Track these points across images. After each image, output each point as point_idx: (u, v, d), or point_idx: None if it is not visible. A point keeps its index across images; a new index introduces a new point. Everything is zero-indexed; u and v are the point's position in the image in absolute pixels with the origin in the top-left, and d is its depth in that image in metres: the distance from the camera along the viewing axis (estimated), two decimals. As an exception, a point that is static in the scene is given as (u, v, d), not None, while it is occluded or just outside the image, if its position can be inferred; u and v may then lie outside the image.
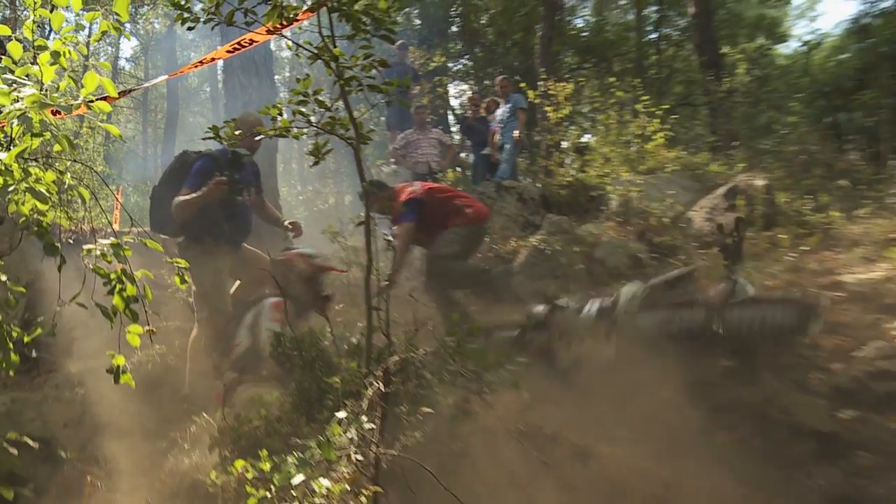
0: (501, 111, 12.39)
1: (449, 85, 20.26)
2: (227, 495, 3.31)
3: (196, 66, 6.34)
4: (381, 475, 2.66)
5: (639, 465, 4.68)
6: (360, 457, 2.49)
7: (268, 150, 10.54)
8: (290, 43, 3.60)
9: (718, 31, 18.42)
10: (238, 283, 6.24)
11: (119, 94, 3.84)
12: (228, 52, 5.70)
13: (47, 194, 2.83)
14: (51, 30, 3.38)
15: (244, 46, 5.29)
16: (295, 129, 3.35)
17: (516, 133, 11.98)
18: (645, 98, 12.46)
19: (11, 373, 2.97)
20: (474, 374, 4.20)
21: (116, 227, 9.28)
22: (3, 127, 2.81)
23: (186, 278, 3.16)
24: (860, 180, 10.47)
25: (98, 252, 2.79)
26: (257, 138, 5.09)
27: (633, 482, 4.50)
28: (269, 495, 2.44)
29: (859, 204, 9.36)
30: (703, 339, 5.45)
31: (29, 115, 2.66)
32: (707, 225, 9.55)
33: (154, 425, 5.47)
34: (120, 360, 2.93)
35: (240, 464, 2.54)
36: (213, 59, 6.50)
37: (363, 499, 2.51)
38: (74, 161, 3.15)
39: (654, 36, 23.60)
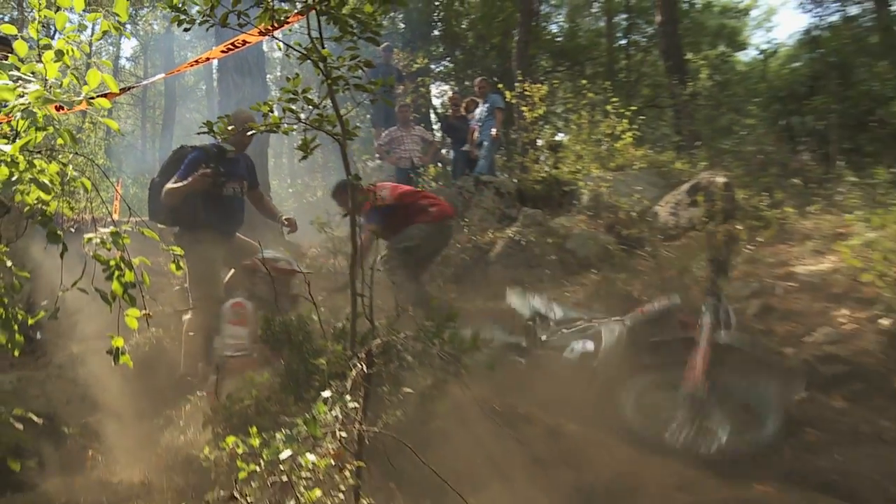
0: (480, 110, 12.38)
1: (431, 85, 20.25)
2: (219, 469, 3.30)
3: (192, 66, 6.30)
4: (364, 451, 2.66)
5: (605, 441, 4.70)
6: (344, 434, 2.47)
7: (259, 146, 10.49)
8: (280, 44, 3.58)
9: (683, 38, 18.48)
10: (232, 271, 6.21)
11: (119, 90, 3.80)
12: (222, 52, 5.66)
13: (51, 185, 2.84)
14: (55, 30, 3.36)
15: (237, 47, 5.26)
16: (285, 125, 3.32)
17: (494, 131, 11.97)
18: (615, 100, 12.49)
19: (16, 353, 2.94)
20: (452, 357, 4.20)
21: (116, 216, 9.22)
22: (8, 121, 2.80)
23: (182, 265, 3.14)
24: (811, 179, 10.55)
25: (98, 240, 2.77)
26: (249, 134, 5.08)
27: (600, 457, 4.52)
28: (258, 469, 2.43)
29: (810, 201, 9.44)
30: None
31: (33, 110, 2.66)
32: (672, 219, 9.59)
33: (151, 404, 5.45)
34: (119, 342, 2.91)
35: (231, 440, 2.52)
36: (207, 59, 6.46)
37: (347, 473, 2.50)
38: (76, 154, 3.11)
39: (623, 42, 23.70)
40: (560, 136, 14.64)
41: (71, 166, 2.98)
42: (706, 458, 4.52)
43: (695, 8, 23.83)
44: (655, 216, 9.81)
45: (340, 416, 2.46)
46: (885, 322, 6.14)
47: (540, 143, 13.74)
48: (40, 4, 2.88)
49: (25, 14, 21.49)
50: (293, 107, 3.22)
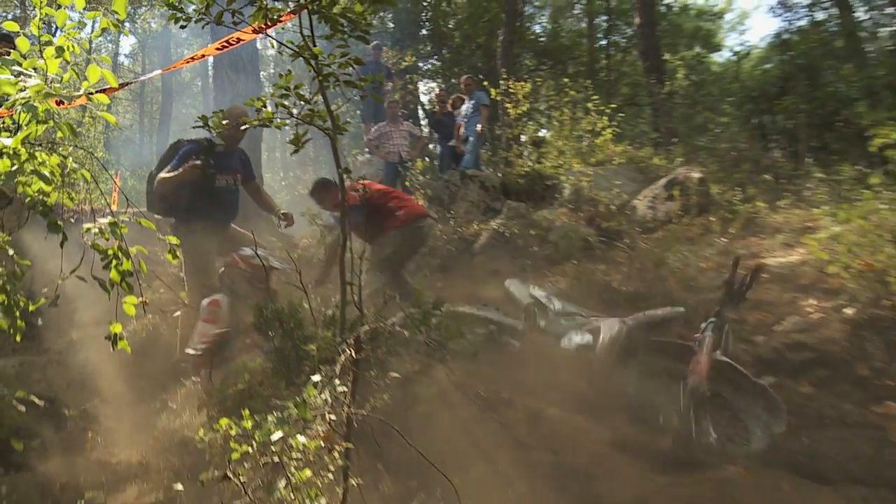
0: (466, 107, 12.37)
1: (419, 83, 20.21)
2: (213, 451, 3.28)
3: (188, 62, 6.27)
4: (353, 433, 2.65)
5: (583, 425, 4.71)
6: (333, 416, 2.47)
7: (253, 140, 10.45)
8: (273, 42, 3.57)
9: (661, 40, 18.49)
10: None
11: (118, 86, 3.78)
12: (217, 49, 5.65)
13: (51, 176, 2.83)
14: (56, 27, 3.35)
15: (232, 44, 5.24)
16: (277, 120, 3.31)
17: (479, 127, 11.96)
18: (595, 98, 12.48)
19: (18, 338, 2.93)
20: (438, 344, 4.19)
21: (114, 208, 9.16)
22: (10, 115, 2.79)
23: (178, 254, 3.13)
24: (781, 175, 10.59)
25: (97, 230, 2.75)
26: (242, 128, 5.06)
27: (574, 436, 4.53)
28: (250, 450, 2.42)
29: (781, 196, 9.48)
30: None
31: (34, 104, 2.65)
32: (649, 212, 9.62)
33: (147, 388, 5.44)
34: (117, 328, 2.90)
35: (224, 422, 2.51)
36: (203, 56, 6.44)
37: (336, 454, 2.50)
38: (76, 147, 3.10)
39: (603, 42, 23.68)
40: (543, 132, 14.60)
41: (71, 159, 2.98)
42: (694, 446, 4.54)
43: (672, 11, 23.87)
44: (634, 209, 9.84)
45: (330, 400, 2.45)
46: (849, 311, 6.18)
47: (523, 138, 13.73)
48: (42, 2, 2.88)
49: (28, 12, 21.32)
50: (286, 102, 3.21)
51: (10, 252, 3.05)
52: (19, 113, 2.71)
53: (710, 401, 4.79)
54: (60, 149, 2.99)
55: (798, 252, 7.69)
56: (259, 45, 15.13)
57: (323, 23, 3.25)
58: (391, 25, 21.24)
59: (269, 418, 2.42)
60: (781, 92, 14.07)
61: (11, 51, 2.81)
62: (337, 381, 2.50)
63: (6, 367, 5.26)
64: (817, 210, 8.11)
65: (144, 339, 6.12)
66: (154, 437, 4.69)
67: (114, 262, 2.81)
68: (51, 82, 2.73)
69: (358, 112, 14.75)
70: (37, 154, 2.85)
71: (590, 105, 12.24)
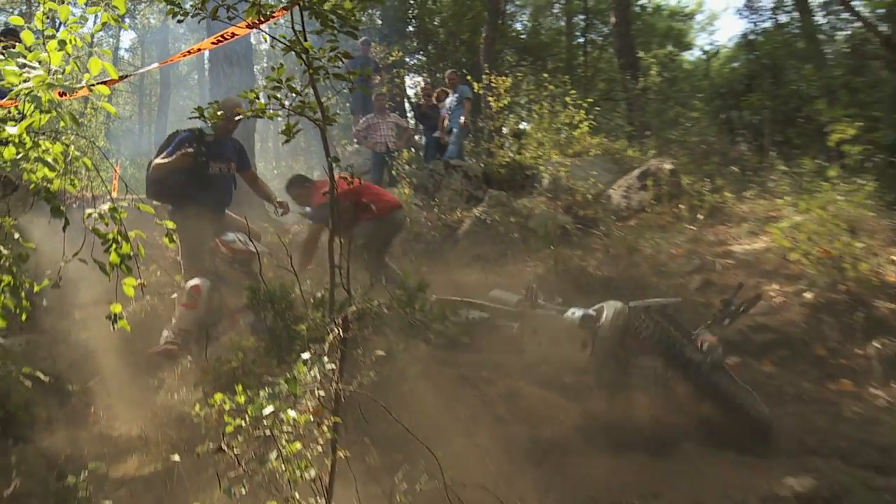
0: (450, 100, 12.34)
1: (405, 77, 20.15)
2: (208, 425, 3.28)
3: (185, 56, 6.24)
4: (340, 408, 2.65)
5: (557, 399, 4.74)
6: (322, 392, 2.47)
7: (246, 130, 10.40)
8: (266, 36, 3.56)
9: (635, 38, 18.51)
10: None
11: (118, 78, 3.76)
12: (213, 43, 5.61)
13: (54, 164, 2.83)
14: (60, 22, 3.31)
15: (227, 39, 5.21)
16: (270, 111, 3.30)
17: (462, 119, 11.95)
18: (573, 92, 12.49)
19: (24, 317, 2.92)
20: (422, 324, 4.20)
21: (115, 194, 9.10)
22: (15, 105, 2.78)
23: (174, 238, 3.12)
24: (748, 167, 10.66)
25: (97, 215, 2.74)
26: (236, 119, 5.03)
27: (552, 413, 4.55)
28: (243, 424, 2.42)
29: (747, 187, 9.55)
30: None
31: (37, 94, 2.66)
32: (623, 201, 9.65)
33: (146, 366, 5.42)
34: (117, 308, 2.89)
35: (218, 397, 2.50)
36: (199, 50, 6.40)
37: (325, 428, 2.50)
38: (79, 136, 3.09)
39: (581, 40, 23.64)
40: (523, 125, 14.57)
41: (73, 147, 2.97)
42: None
43: (646, 11, 23.84)
44: (609, 199, 9.87)
45: (319, 377, 2.45)
46: (808, 296, 6.25)
47: (505, 130, 13.71)
48: (46, -2, 2.86)
49: (33, 7, 21.11)
50: (278, 94, 3.20)
51: (16, 236, 3.04)
52: (24, 103, 2.70)
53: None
54: (63, 138, 2.97)
55: (762, 240, 7.75)
56: (253, 40, 15.05)
57: (314, 19, 3.24)
58: (379, 22, 21.13)
59: (261, 394, 2.42)
60: (747, 89, 14.12)
61: (17, 44, 2.82)
62: (326, 359, 2.50)
63: (13, 345, 5.23)
64: (780, 200, 8.17)
65: (143, 320, 6.09)
66: (153, 413, 4.68)
67: (113, 245, 2.80)
68: (54, 74, 2.72)
69: (347, 104, 14.71)
70: (40, 142, 2.84)
71: (568, 99, 12.25)
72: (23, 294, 2.91)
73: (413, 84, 22.05)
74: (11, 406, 3.98)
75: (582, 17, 23.65)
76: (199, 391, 4.32)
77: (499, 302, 5.78)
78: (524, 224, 8.82)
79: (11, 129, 2.69)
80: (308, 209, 6.73)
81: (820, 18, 16.68)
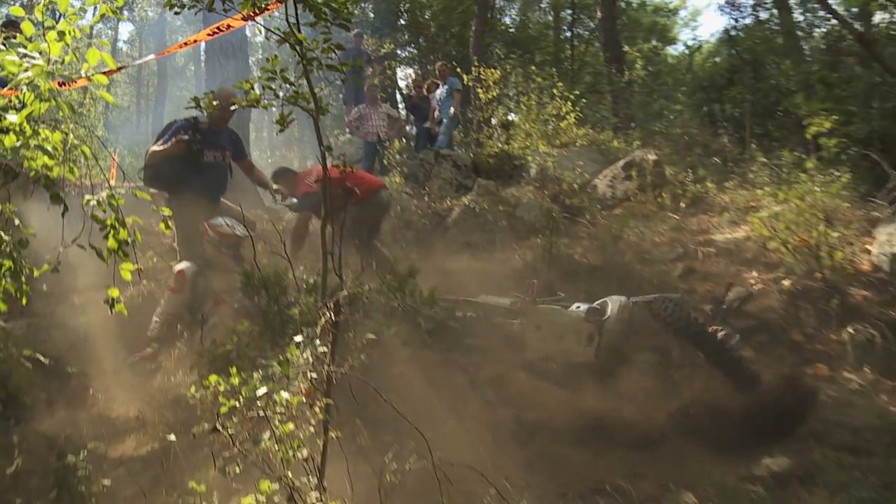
0: (440, 91, 12.31)
1: (397, 69, 20.07)
2: (204, 406, 3.28)
3: (181, 47, 6.21)
4: (332, 390, 2.65)
5: (546, 386, 4.74)
6: (314, 374, 2.47)
7: (242, 120, 10.35)
8: (261, 28, 3.53)
9: (620, 33, 18.50)
10: None
11: (116, 68, 3.74)
12: (209, 35, 5.59)
13: (54, 152, 2.81)
14: (60, 13, 3.30)
15: (223, 31, 5.19)
16: (264, 101, 3.27)
17: (452, 110, 11.93)
18: (560, 85, 12.46)
19: (24, 301, 2.90)
20: (413, 310, 4.20)
21: (113, 182, 9.05)
22: (16, 94, 2.77)
23: (170, 224, 3.11)
24: (729, 159, 10.70)
25: (95, 202, 2.73)
26: (231, 109, 4.99)
27: (541, 398, 4.56)
28: (238, 405, 2.42)
29: (728, 178, 9.59)
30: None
31: (37, 84, 2.65)
32: (609, 191, 9.66)
33: (144, 349, 5.40)
34: (114, 293, 2.87)
35: (213, 378, 2.50)
36: (195, 41, 6.38)
37: (317, 409, 2.50)
38: (77, 124, 3.07)
39: (568, 34, 23.60)
40: (511, 116, 14.57)
41: (72, 135, 2.95)
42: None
43: (631, 6, 23.83)
44: (594, 188, 9.88)
45: (311, 359, 2.45)
46: (786, 283, 6.28)
47: (493, 121, 13.69)
48: (46, -11, 2.83)
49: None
50: (272, 85, 3.17)
51: (17, 222, 3.03)
52: (24, 93, 2.69)
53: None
54: (62, 126, 2.96)
55: (742, 229, 7.79)
56: (248, 32, 14.94)
57: (308, 11, 3.22)
58: (371, 15, 21.07)
59: (255, 375, 2.42)
60: (729, 83, 14.17)
61: (17, 34, 2.80)
62: (318, 342, 2.49)
63: (14, 328, 5.19)
64: (760, 191, 8.20)
65: (140, 304, 6.06)
66: (150, 395, 4.67)
67: (111, 231, 2.78)
68: (53, 64, 2.70)
69: (340, 95, 14.67)
70: (40, 131, 2.81)
71: (555, 91, 12.23)
72: (23, 279, 2.89)
73: (404, 76, 21.99)
74: (13, 387, 3.97)
75: (569, 11, 23.61)
76: (195, 374, 4.32)
77: (493, 303, 5.58)
78: (512, 212, 8.82)
79: (12, 118, 2.67)
80: (292, 200, 6.65)
81: (798, 15, 16.80)
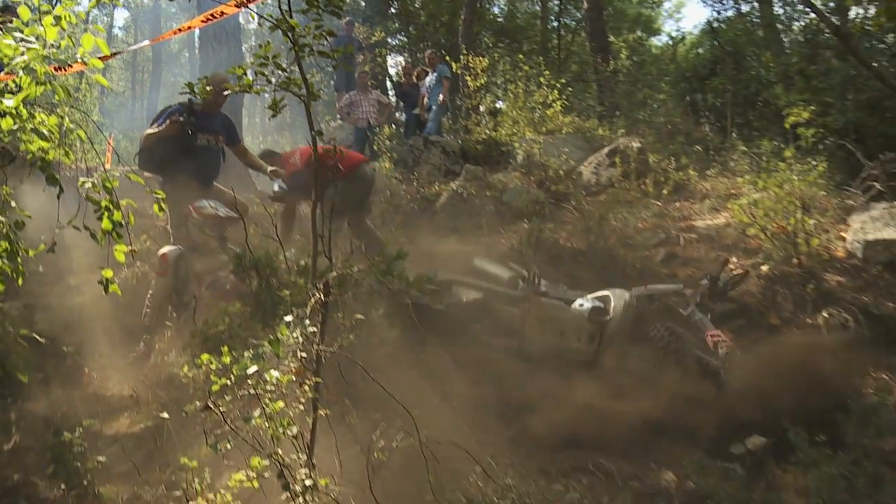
0: (430, 79, 12.27)
1: (387, 56, 19.98)
2: (196, 385, 3.29)
3: (175, 33, 6.15)
4: (321, 369, 2.65)
5: (530, 368, 4.76)
6: (304, 354, 2.47)
7: (234, 105, 10.28)
8: (254, 15, 3.50)
9: (606, 23, 18.45)
10: None
11: (110, 54, 3.70)
12: (203, 21, 5.53)
13: (49, 135, 2.81)
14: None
15: (216, 17, 5.14)
16: (257, 87, 3.25)
17: (441, 97, 11.90)
18: (547, 73, 12.42)
19: (21, 281, 2.89)
20: (401, 291, 4.20)
21: (108, 166, 8.99)
22: (13, 79, 2.75)
23: (163, 206, 3.09)
24: (710, 147, 10.72)
25: (90, 184, 2.73)
26: (224, 94, 4.93)
27: (525, 378, 4.58)
28: (229, 384, 2.41)
29: (709, 166, 9.62)
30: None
31: (33, 68, 2.64)
32: (593, 177, 9.67)
33: (138, 330, 5.39)
34: (108, 273, 2.86)
35: (205, 357, 2.49)
36: (189, 28, 6.31)
37: (306, 388, 2.50)
38: (73, 108, 3.05)
39: (555, 24, 23.52)
40: (499, 104, 14.54)
41: (67, 119, 2.93)
42: None
43: (617, -3, 23.83)
44: (580, 174, 9.88)
45: (301, 339, 2.45)
46: (764, 268, 6.31)
47: (481, 108, 13.64)
48: (43, -26, 2.81)
49: (32, -15, 20.67)
50: (265, 71, 3.15)
51: (13, 204, 3.01)
52: (20, 77, 2.68)
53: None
54: (58, 110, 2.93)
55: (723, 215, 7.82)
56: (241, 20, 14.84)
57: (300, -2, 3.19)
58: (363, 3, 20.94)
59: (246, 354, 2.41)
60: (711, 74, 14.19)
61: (14, 19, 2.79)
62: (307, 322, 2.49)
63: (10, 308, 5.17)
64: (740, 179, 8.23)
65: (135, 286, 6.03)
66: (144, 374, 4.66)
67: (105, 213, 2.77)
68: (49, 48, 2.70)
69: (331, 82, 14.58)
70: (36, 114, 2.81)
71: (542, 80, 12.19)
72: (19, 259, 2.87)
73: (394, 63, 21.88)
74: (10, 366, 3.95)
75: (556, 2, 23.52)
76: (188, 354, 4.31)
77: (485, 274, 5.56)
78: (499, 198, 8.82)
79: (8, 102, 2.67)
80: (277, 187, 6.55)
81: (778, 9, 16.82)
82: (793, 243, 6.36)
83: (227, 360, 2.42)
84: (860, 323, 5.54)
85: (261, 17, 3.33)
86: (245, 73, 3.31)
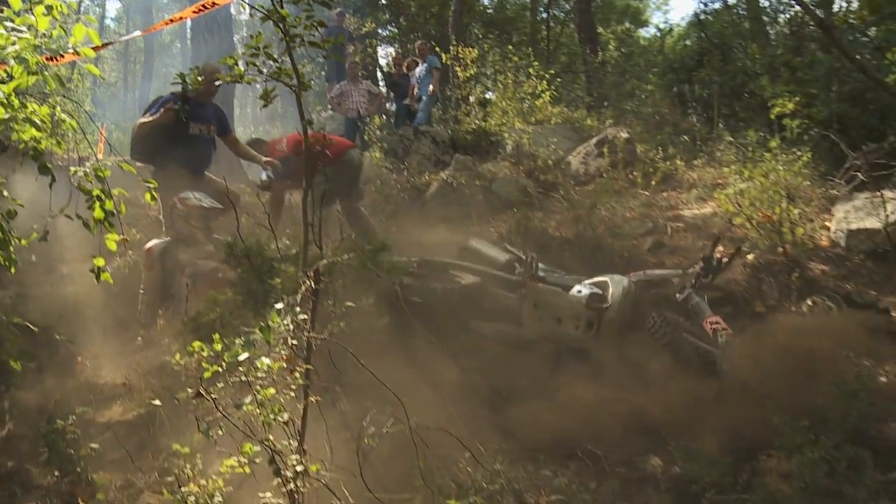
0: (420, 69, 12.25)
1: (378, 47, 19.96)
2: (188, 373, 3.28)
3: (167, 24, 6.13)
4: (312, 356, 2.65)
5: (518, 354, 4.77)
6: (294, 341, 2.47)
7: (226, 96, 10.24)
8: (245, 5, 3.48)
9: (595, 15, 18.45)
10: None
11: (102, 44, 3.68)
12: (194, 12, 5.51)
13: (42, 125, 2.79)
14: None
15: (208, 8, 5.13)
16: (248, 77, 3.23)
17: (431, 88, 11.88)
18: (536, 64, 12.42)
19: (13, 270, 2.87)
20: (387, 280, 4.20)
21: (100, 156, 8.93)
22: (3, 69, 2.73)
23: (155, 195, 3.08)
24: (697, 138, 10.75)
25: (82, 173, 2.72)
26: (216, 84, 4.91)
27: (517, 366, 4.59)
28: (220, 370, 2.41)
29: (696, 156, 9.65)
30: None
31: (25, 57, 2.62)
32: (582, 167, 9.68)
33: (130, 318, 5.38)
34: (100, 262, 2.86)
35: (197, 344, 2.49)
36: (181, 18, 6.31)
37: (297, 374, 2.50)
38: (65, 97, 3.03)
39: (544, 15, 23.48)
40: (488, 94, 14.52)
41: (59, 108, 2.91)
42: None
43: (605, -11, 23.77)
44: (568, 164, 9.90)
45: (291, 326, 2.45)
46: (750, 257, 6.34)
47: (471, 99, 13.61)
48: (34, -36, 2.78)
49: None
50: (256, 61, 3.13)
51: (5, 193, 2.99)
52: (12, 66, 2.65)
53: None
54: (50, 100, 2.92)
55: (709, 205, 7.85)
56: (233, 10, 14.80)
57: (290, -12, 3.17)
58: (354, -6, 20.87)
59: (237, 341, 2.41)
60: (698, 65, 14.19)
61: (5, 9, 2.75)
62: (298, 309, 2.49)
63: (3, 297, 5.16)
64: (727, 169, 8.25)
65: (127, 275, 6.02)
66: (136, 362, 4.66)
67: (97, 202, 2.76)
68: (41, 37, 2.68)
69: (322, 73, 14.53)
70: (28, 104, 2.79)
71: (531, 71, 12.19)
72: (11, 248, 2.86)
73: (385, 54, 21.82)
74: (3, 355, 3.94)
75: (546, -7, 23.50)
76: (180, 342, 4.30)
77: (480, 255, 5.49)
78: (488, 187, 8.82)
79: (-1, 91, 2.63)
80: (265, 175, 6.52)
81: (764, 1, 16.83)
82: (778, 232, 6.39)
83: (218, 347, 2.41)
84: (843, 310, 5.58)
85: (252, 7, 3.32)
86: (236, 64, 3.30)
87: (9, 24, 2.65)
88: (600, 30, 19.40)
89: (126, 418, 4.03)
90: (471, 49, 13.07)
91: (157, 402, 3.39)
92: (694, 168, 9.22)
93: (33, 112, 2.78)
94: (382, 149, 10.72)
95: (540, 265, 5.14)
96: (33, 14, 2.68)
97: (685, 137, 10.65)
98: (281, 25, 3.13)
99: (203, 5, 5.00)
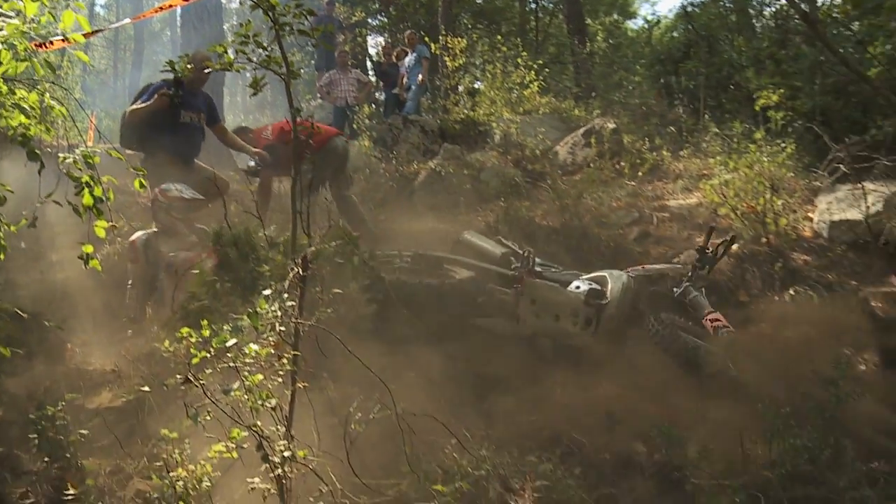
0: (409, 59, 12.22)
1: (367, 36, 19.86)
2: (177, 360, 3.28)
3: (157, 12, 6.08)
4: (300, 342, 2.65)
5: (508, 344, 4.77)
6: (282, 327, 2.46)
7: (216, 84, 10.18)
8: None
9: (583, 6, 18.39)
10: None
11: (92, 32, 3.64)
12: (184, 0, 5.45)
13: (30, 111, 2.78)
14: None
15: (198, -4, 5.08)
16: (237, 65, 3.21)
17: (420, 77, 11.87)
18: (524, 54, 12.39)
19: (2, 256, 2.84)
20: (372, 270, 4.20)
21: (90, 143, 8.87)
22: None
23: (144, 183, 3.07)
24: (684, 129, 10.77)
25: (71, 160, 2.70)
26: (206, 72, 4.86)
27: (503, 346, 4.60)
28: (208, 356, 2.41)
29: (682, 147, 9.67)
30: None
31: (13, 43, 2.60)
32: (569, 157, 9.69)
33: (119, 305, 5.35)
34: (88, 249, 2.84)
35: (185, 330, 2.48)
36: (171, 6, 6.25)
37: (284, 360, 2.50)
38: (54, 84, 3.00)
39: (533, 6, 23.38)
40: (477, 84, 14.50)
41: (49, 95, 2.89)
42: None
43: (594, -20, 23.69)
44: (556, 154, 9.91)
45: (279, 313, 2.44)
46: (734, 247, 6.37)
47: (460, 88, 13.60)
48: (21, -51, 2.75)
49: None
50: (245, 49, 3.11)
51: (-7, 180, 2.98)
52: (0, 52, 2.63)
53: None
54: (39, 86, 2.89)
55: (695, 195, 7.88)
56: (223, -2, 14.68)
57: (281, -23, 3.15)
58: (344, -16, 20.75)
59: (225, 327, 2.40)
60: (685, 57, 14.21)
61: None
62: (286, 296, 2.49)
63: (-8, 284, 5.13)
64: (712, 160, 8.28)
65: (116, 262, 5.99)
66: (125, 348, 4.64)
67: (86, 189, 2.74)
68: (29, 23, 2.66)
69: (311, 61, 14.47)
70: (16, 90, 2.77)
71: (519, 61, 12.16)
72: (1, 234, 2.84)
73: (374, 43, 21.73)
74: (-7, 340, 3.92)
75: (535, -17, 23.41)
76: (168, 329, 4.28)
77: (474, 248, 5.38)
78: (476, 176, 8.81)
79: (-13, 80, 2.61)
80: (252, 162, 6.48)
81: (750, -6, 16.80)
82: (762, 223, 6.43)
83: (206, 332, 2.41)
84: (825, 300, 5.63)
85: (242, -5, 3.29)
86: (226, 52, 3.28)
87: None
88: (588, 21, 19.35)
89: (115, 404, 4.01)
90: (460, 39, 13.03)
91: (146, 388, 3.38)
92: (680, 159, 9.25)
93: (22, 98, 2.75)
94: (371, 138, 10.68)
95: (537, 260, 5.05)
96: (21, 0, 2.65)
97: (671, 128, 10.69)
98: (270, 14, 3.11)
99: (193, -7, 4.97)
